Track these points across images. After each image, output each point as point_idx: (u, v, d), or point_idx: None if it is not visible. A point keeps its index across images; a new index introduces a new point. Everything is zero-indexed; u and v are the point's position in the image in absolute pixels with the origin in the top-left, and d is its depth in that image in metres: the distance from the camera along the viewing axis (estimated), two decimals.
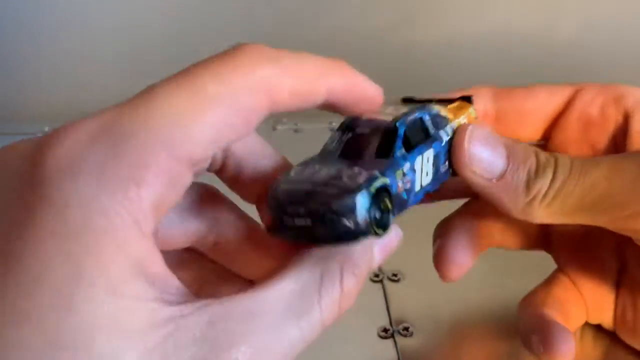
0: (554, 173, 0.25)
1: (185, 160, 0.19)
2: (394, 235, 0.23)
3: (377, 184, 0.21)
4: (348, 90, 0.22)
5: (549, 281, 0.32)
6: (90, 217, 0.17)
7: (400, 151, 0.23)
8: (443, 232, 0.30)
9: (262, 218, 0.25)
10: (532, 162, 0.25)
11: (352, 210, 0.20)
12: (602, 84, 0.30)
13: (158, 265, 0.18)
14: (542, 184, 0.25)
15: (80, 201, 0.17)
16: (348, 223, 0.20)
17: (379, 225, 0.21)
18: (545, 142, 0.31)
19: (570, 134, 0.30)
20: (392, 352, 0.33)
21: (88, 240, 0.17)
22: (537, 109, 0.30)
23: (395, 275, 0.39)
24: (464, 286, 0.32)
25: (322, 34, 0.66)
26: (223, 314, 0.18)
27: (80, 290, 0.16)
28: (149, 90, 0.19)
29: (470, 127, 0.26)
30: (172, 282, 0.18)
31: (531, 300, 0.31)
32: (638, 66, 0.61)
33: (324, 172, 0.22)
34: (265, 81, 0.19)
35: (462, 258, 0.29)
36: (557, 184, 0.25)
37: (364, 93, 0.22)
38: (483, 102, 0.30)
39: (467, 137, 0.26)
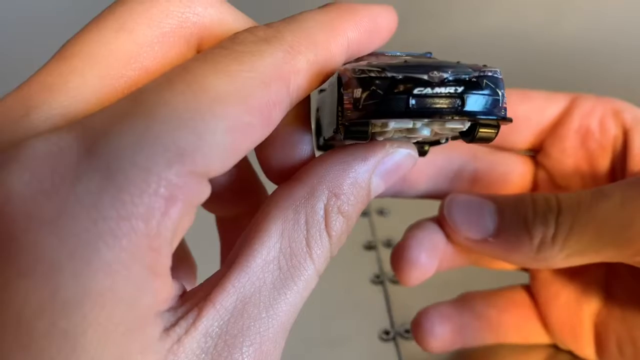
0: (559, 213, 0.24)
1: (201, 173, 0.15)
2: (401, 155, 0.20)
3: None
4: (367, 33, 0.19)
5: (498, 289, 0.31)
6: (90, 279, 0.14)
7: None
8: (410, 231, 0.28)
9: (263, 161, 0.20)
10: (527, 208, 0.24)
11: (502, 84, 0.17)
12: (596, 96, 0.29)
13: (167, 291, 0.16)
14: (546, 227, 0.24)
15: (73, 262, 0.13)
16: (499, 94, 0.17)
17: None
18: (535, 153, 0.30)
19: (568, 144, 0.28)
20: (394, 355, 0.33)
21: (88, 312, 0.14)
22: (531, 114, 0.29)
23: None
24: (465, 288, 0.32)
25: None
26: (217, 319, 0.16)
27: None
28: (135, 94, 0.15)
29: (448, 197, 0.26)
30: (170, 294, 0.16)
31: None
32: None
33: (424, 60, 0.18)
34: (277, 68, 0.16)
35: (423, 260, 0.26)
36: (567, 223, 0.23)
37: (383, 27, 0.19)
38: None
39: (445, 205, 0.26)
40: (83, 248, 0.14)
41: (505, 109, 0.17)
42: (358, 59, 0.19)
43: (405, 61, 0.18)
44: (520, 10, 0.64)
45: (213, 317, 0.16)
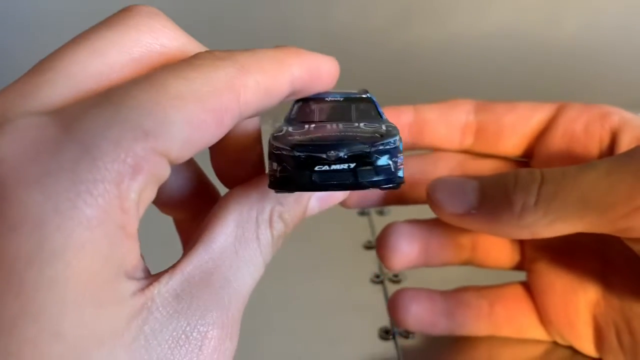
0: (542, 183, 0.24)
1: (163, 152, 0.17)
2: None
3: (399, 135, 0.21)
4: (309, 74, 0.21)
5: (493, 284, 0.32)
6: (72, 231, 0.16)
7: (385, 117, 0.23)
8: (389, 225, 0.31)
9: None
10: (509, 179, 0.25)
11: (394, 152, 0.20)
12: (584, 104, 0.30)
13: (136, 258, 0.18)
14: (528, 194, 0.24)
15: (57, 216, 0.15)
16: (390, 165, 0.20)
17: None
18: (529, 160, 0.31)
19: (554, 151, 0.29)
20: (393, 354, 0.33)
21: (71, 260, 0.16)
22: (517, 123, 0.30)
23: (396, 276, 0.39)
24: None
25: (322, 33, 0.66)
26: (186, 284, 0.18)
27: (66, 317, 0.15)
28: (105, 91, 0.18)
29: (434, 179, 0.28)
30: (139, 264, 0.18)
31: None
32: None
33: (334, 127, 0.22)
34: (229, 80, 0.19)
35: (404, 246, 0.30)
36: (551, 190, 0.24)
37: (324, 72, 0.22)
38: (465, 114, 0.30)
39: (430, 186, 0.28)
40: (65, 204, 0.16)
41: (397, 172, 0.20)
42: (304, 103, 0.23)
43: (319, 136, 0.21)
44: (521, 10, 0.64)
45: (182, 282, 0.18)
